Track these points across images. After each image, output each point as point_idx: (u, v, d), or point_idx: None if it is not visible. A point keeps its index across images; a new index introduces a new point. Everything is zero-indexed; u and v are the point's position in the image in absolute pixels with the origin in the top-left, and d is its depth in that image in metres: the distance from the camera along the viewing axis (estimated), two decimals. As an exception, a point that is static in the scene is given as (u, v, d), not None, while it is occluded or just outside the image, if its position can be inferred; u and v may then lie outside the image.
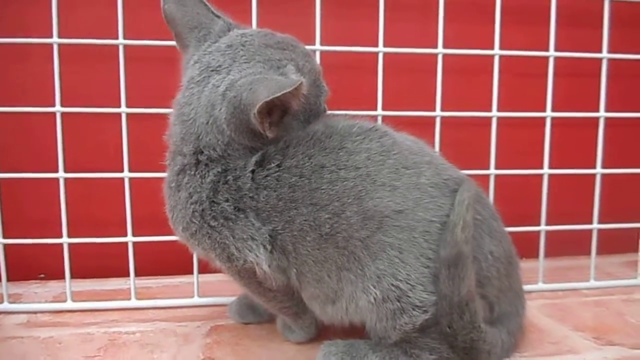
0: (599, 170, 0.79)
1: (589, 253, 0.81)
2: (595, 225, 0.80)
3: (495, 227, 0.57)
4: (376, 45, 0.74)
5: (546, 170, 0.78)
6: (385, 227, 0.52)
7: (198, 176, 0.53)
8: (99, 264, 0.81)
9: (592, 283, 0.80)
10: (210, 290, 0.75)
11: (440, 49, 0.74)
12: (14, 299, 0.73)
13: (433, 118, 0.76)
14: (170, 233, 0.58)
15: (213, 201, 0.52)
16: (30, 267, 0.83)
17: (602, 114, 0.78)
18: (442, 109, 0.75)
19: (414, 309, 0.51)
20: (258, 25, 0.71)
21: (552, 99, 0.77)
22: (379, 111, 0.75)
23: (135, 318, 0.70)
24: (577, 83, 0.85)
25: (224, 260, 0.54)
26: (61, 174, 0.69)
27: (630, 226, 0.82)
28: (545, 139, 0.77)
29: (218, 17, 0.58)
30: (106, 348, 0.61)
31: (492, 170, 0.77)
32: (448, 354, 0.53)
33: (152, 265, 0.81)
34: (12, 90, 0.78)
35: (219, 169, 0.52)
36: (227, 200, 0.52)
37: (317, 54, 0.72)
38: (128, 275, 0.73)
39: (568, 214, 0.80)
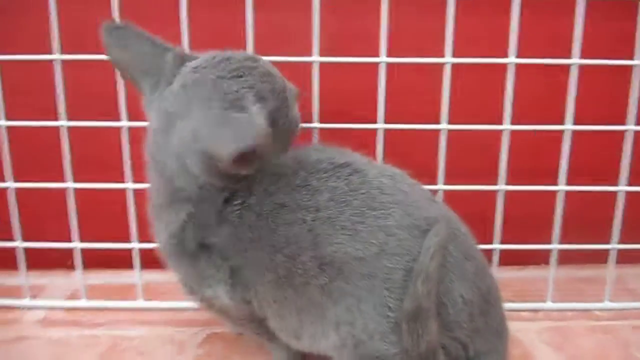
0: (621, 187, 0.73)
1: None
2: (614, 246, 0.75)
3: (468, 269, 0.54)
4: None
5: (562, 187, 0.73)
6: (345, 274, 0.50)
7: (173, 213, 0.54)
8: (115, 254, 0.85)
9: (606, 304, 0.76)
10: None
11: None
12: (37, 291, 0.80)
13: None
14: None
15: (182, 238, 0.54)
16: (56, 255, 0.89)
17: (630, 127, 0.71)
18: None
19: (371, 359, 0.51)
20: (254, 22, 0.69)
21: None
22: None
23: (140, 319, 0.74)
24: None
25: (187, 292, 0.58)
26: (70, 184, 0.73)
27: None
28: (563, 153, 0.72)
29: (167, 49, 0.56)
30: (107, 354, 0.66)
31: (502, 186, 0.73)
32: None
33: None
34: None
35: (192, 209, 0.53)
36: (193, 239, 0.53)
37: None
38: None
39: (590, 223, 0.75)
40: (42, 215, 0.82)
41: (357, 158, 0.57)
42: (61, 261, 0.89)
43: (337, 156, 0.55)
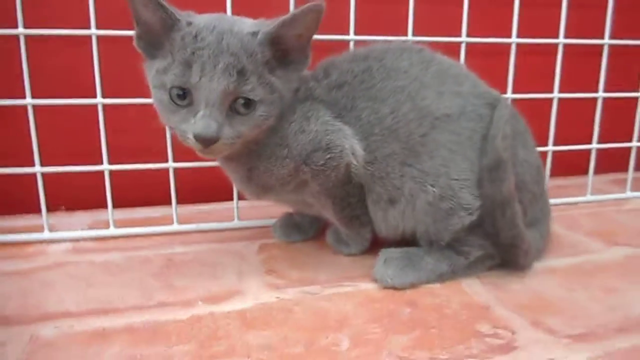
0: (600, 94, 0.86)
1: (581, 173, 0.90)
2: (594, 145, 0.88)
3: (528, 140, 0.63)
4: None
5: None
6: (437, 128, 0.57)
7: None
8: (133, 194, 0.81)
9: (588, 197, 0.90)
10: (245, 215, 0.77)
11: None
12: (49, 228, 0.72)
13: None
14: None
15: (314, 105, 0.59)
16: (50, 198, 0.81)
17: (606, 41, 0.85)
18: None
19: (461, 210, 0.57)
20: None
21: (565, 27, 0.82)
22: (411, 36, 0.77)
23: (182, 241, 0.71)
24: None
25: (327, 151, 0.58)
26: (99, 100, 0.68)
27: (624, 145, 0.90)
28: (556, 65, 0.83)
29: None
30: (168, 267, 0.63)
31: (509, 95, 0.82)
32: (492, 249, 0.60)
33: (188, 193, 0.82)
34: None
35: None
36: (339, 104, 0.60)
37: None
38: (154, 204, 0.77)
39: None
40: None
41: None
42: (54, 207, 0.82)
43: (402, 44, 0.64)
